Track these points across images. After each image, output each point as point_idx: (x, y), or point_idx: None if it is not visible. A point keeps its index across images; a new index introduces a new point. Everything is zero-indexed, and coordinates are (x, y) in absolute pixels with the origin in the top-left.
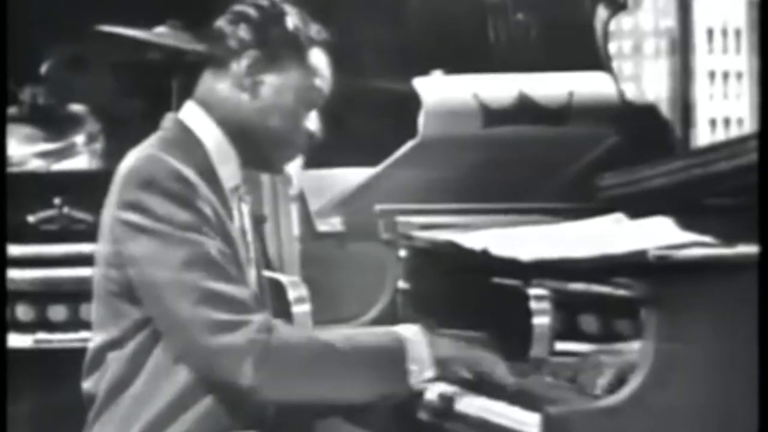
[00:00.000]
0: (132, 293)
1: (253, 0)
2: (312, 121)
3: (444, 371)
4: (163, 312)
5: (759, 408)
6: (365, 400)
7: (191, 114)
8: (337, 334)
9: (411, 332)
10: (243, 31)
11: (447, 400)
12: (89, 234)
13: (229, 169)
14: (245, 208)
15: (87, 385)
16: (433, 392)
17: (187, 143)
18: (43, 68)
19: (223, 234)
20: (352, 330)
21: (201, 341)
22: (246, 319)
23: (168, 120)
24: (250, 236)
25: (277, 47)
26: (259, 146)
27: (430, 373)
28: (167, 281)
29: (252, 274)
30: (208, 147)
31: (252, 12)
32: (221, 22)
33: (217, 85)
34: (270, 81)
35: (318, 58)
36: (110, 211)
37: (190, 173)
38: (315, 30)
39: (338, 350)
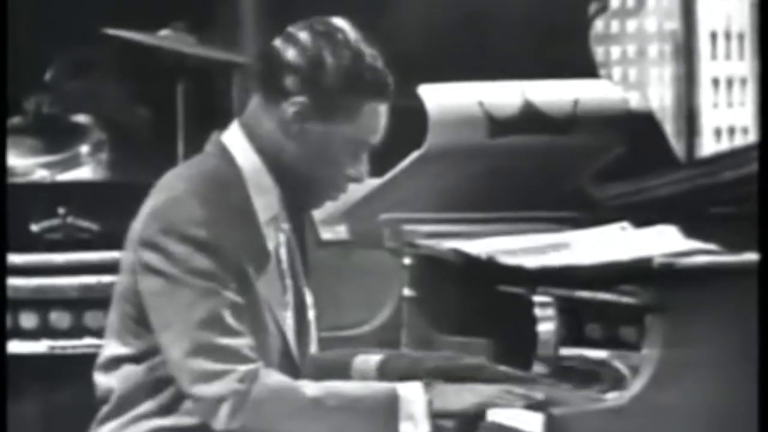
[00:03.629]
0: (146, 321)
1: (319, 33)
2: (360, 164)
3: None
4: (161, 348)
5: (759, 410)
6: None
7: (235, 140)
8: (329, 387)
9: (409, 390)
10: (299, 75)
11: None
12: (94, 243)
13: (266, 200)
14: (282, 238)
15: (99, 381)
16: None
17: (227, 172)
18: (47, 76)
19: (241, 280)
20: (348, 383)
21: (185, 388)
22: (230, 369)
23: (212, 143)
24: (285, 264)
25: (330, 98)
26: (298, 185)
27: (425, 430)
28: (170, 325)
29: (288, 302)
30: (247, 177)
31: (316, 54)
32: (279, 45)
33: (263, 117)
34: (318, 130)
35: (373, 113)
36: (134, 237)
37: (216, 217)
38: (380, 80)
39: (325, 403)
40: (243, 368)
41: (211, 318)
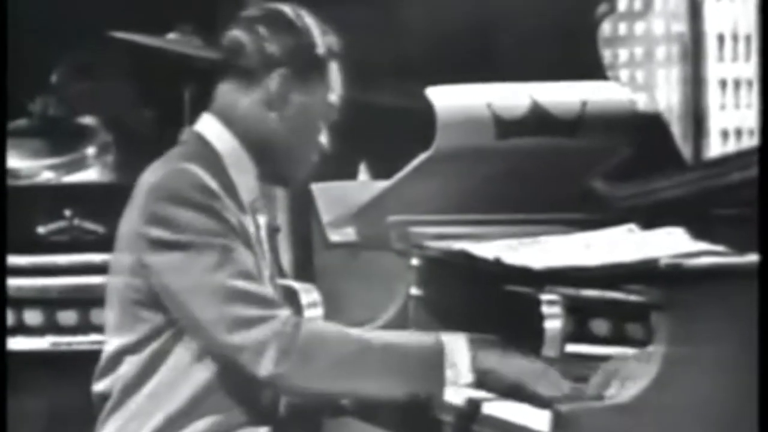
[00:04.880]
0: (155, 301)
1: (273, 10)
2: (323, 135)
3: (484, 380)
4: (188, 317)
5: (759, 409)
6: (394, 398)
7: (209, 127)
8: (375, 333)
9: (454, 340)
10: (272, 47)
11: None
12: (100, 244)
13: (247, 183)
14: (261, 220)
15: (99, 387)
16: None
17: (207, 157)
18: (53, 78)
19: (246, 243)
20: (392, 332)
21: (225, 339)
22: (272, 314)
23: (186, 133)
24: (266, 246)
25: (306, 65)
26: (277, 161)
27: (467, 379)
28: (193, 288)
29: (267, 283)
30: (226, 160)
31: (279, 26)
32: (238, 33)
33: (239, 99)
34: (296, 99)
35: (335, 72)
36: (132, 223)
37: (214, 183)
38: (333, 41)
39: (372, 347)
40: (283, 312)
41: (237, 266)
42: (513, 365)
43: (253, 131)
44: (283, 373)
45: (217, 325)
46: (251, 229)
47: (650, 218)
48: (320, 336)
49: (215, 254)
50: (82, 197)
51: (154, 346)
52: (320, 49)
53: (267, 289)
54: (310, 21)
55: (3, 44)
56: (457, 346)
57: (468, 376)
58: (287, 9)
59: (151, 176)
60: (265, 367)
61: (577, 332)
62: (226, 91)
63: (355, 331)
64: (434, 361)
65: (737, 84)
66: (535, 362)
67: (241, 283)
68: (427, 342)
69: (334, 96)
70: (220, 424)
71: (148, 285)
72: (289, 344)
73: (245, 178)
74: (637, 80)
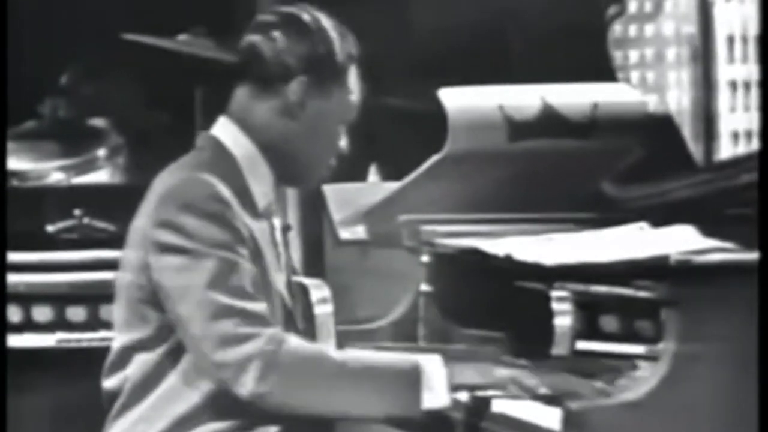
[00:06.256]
0: (157, 301)
1: (290, 15)
2: (341, 137)
3: (466, 393)
4: (178, 322)
5: (759, 408)
6: (373, 418)
7: (226, 131)
8: (353, 354)
9: (430, 362)
10: (291, 55)
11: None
12: (109, 241)
13: (262, 188)
14: (276, 222)
15: (109, 383)
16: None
17: (223, 162)
18: (64, 80)
19: (255, 252)
20: (371, 352)
21: (209, 355)
22: (256, 332)
23: (202, 138)
24: (281, 247)
25: (324, 73)
26: (295, 165)
27: (445, 401)
28: (189, 297)
29: (282, 280)
30: (242, 166)
31: (297, 32)
32: (255, 38)
33: (256, 105)
34: (315, 105)
35: (353, 75)
36: (142, 224)
37: (227, 192)
38: (352, 45)
39: (349, 368)
40: (268, 331)
41: (233, 286)
42: (487, 376)
43: (271, 136)
44: (263, 392)
45: (204, 339)
46: (266, 232)
47: (661, 219)
48: (299, 356)
49: (214, 267)
50: (91, 198)
51: (163, 348)
52: (339, 57)
53: (256, 305)
54: (327, 24)
55: (3, 45)
56: (434, 369)
57: (446, 398)
58: (304, 14)
59: (166, 180)
60: (246, 387)
61: (587, 329)
62: (243, 95)
63: (334, 352)
64: (411, 385)
65: (747, 86)
66: (508, 369)
67: (232, 301)
68: (405, 365)
69: (353, 98)
70: (230, 426)
71: (152, 286)
72: (270, 364)
73: (261, 184)
74: (648, 82)
